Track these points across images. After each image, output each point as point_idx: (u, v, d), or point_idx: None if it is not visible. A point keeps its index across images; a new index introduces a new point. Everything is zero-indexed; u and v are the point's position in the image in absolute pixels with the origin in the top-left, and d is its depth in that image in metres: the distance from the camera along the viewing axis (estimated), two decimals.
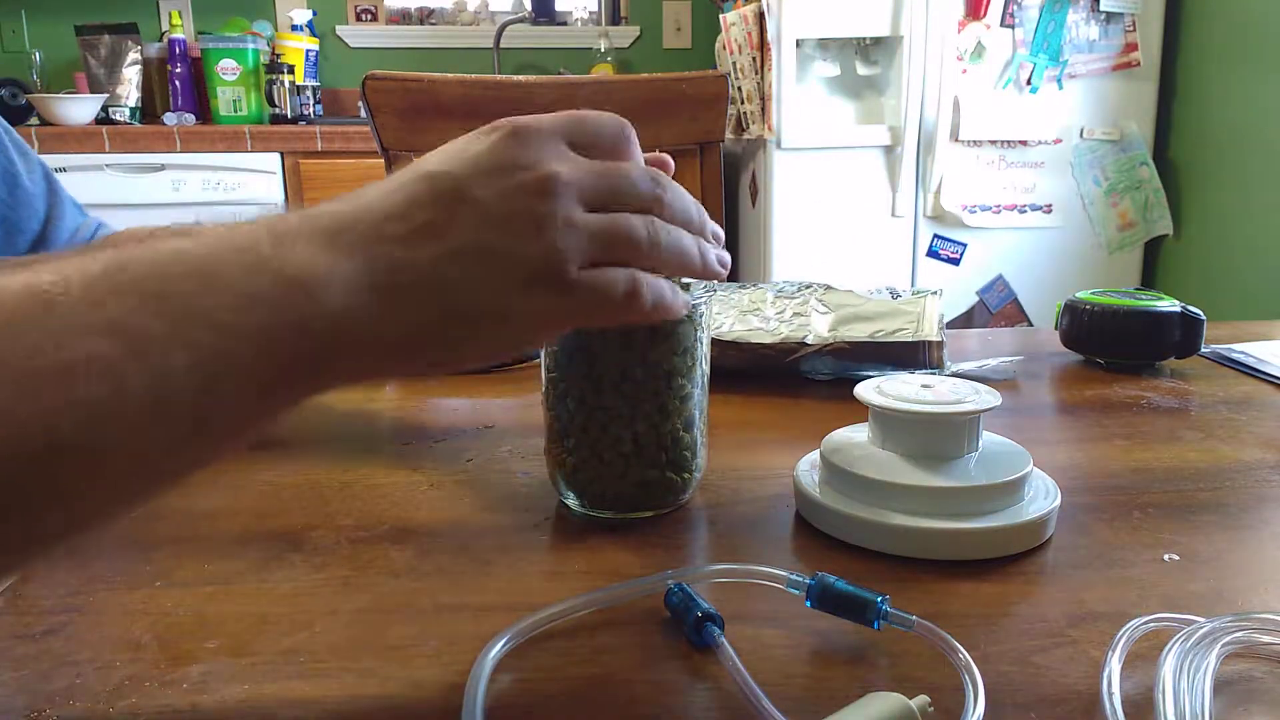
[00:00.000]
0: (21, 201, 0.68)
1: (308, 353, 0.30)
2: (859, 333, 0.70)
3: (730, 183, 2.48)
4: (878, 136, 2.18)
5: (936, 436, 0.46)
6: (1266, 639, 0.35)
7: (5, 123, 0.70)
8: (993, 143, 2.19)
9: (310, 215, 0.32)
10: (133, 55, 2.66)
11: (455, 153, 0.35)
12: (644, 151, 0.41)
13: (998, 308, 2.30)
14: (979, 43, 2.14)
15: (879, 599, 0.36)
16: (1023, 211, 2.24)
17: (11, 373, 0.25)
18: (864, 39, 2.19)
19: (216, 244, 0.30)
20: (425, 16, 3.03)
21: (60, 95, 2.50)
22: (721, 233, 0.42)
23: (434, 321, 0.33)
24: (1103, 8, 2.15)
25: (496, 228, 0.33)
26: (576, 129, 0.37)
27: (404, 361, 0.34)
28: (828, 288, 0.76)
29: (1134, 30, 2.19)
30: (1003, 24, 2.14)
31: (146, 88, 2.72)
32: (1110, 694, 0.31)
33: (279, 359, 0.30)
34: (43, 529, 0.27)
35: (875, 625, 0.36)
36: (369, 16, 2.98)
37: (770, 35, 2.11)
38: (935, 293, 0.75)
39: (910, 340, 0.69)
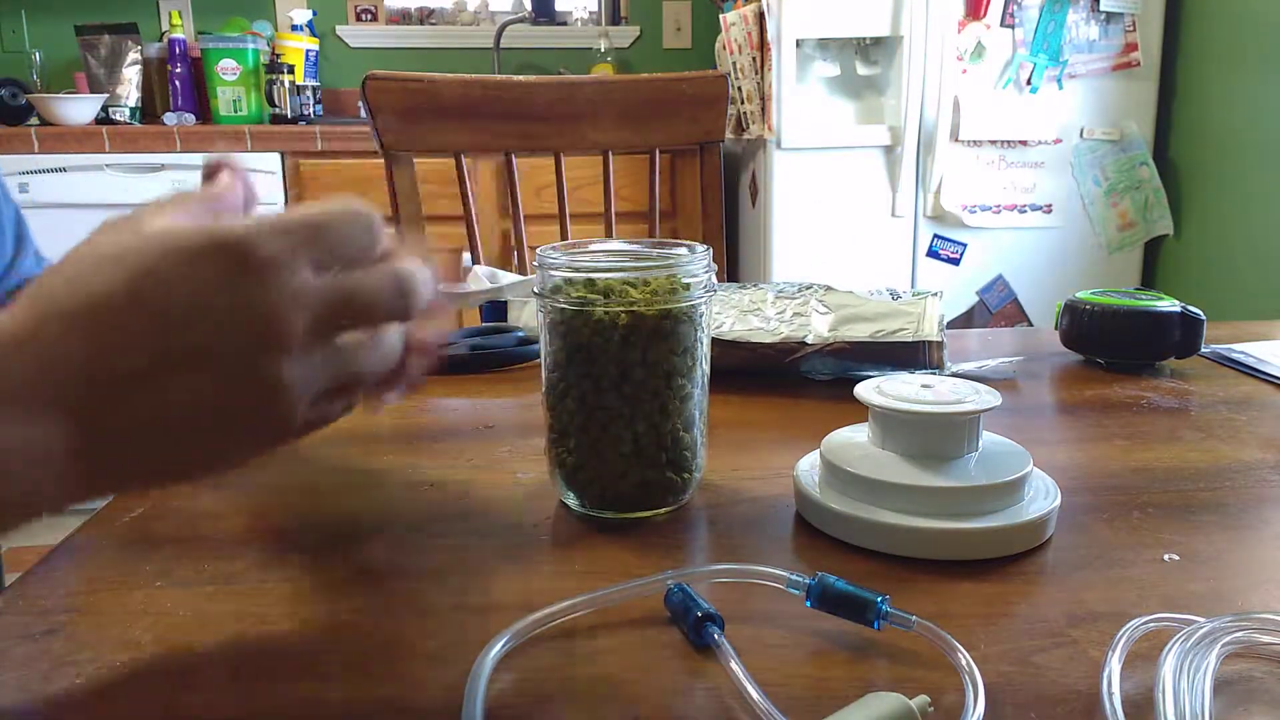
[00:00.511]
0: None
1: None
2: (859, 333, 0.70)
3: (730, 183, 2.48)
4: (878, 136, 2.18)
5: (936, 436, 0.46)
6: (1266, 639, 0.35)
7: None
8: (993, 143, 2.19)
9: (20, 350, 0.29)
10: (133, 55, 2.66)
11: (177, 287, 0.30)
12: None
13: (998, 308, 2.30)
14: (979, 43, 2.14)
15: (879, 599, 0.36)
16: (1023, 211, 2.24)
17: None
18: (864, 39, 2.19)
19: None
20: (425, 16, 3.04)
21: (60, 95, 2.50)
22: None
23: (142, 478, 0.33)
24: (1103, 8, 2.15)
25: (220, 392, 0.31)
26: (317, 244, 0.32)
27: (103, 496, 0.33)
28: (828, 289, 0.76)
29: (1134, 30, 2.19)
30: (1003, 24, 2.15)
31: (146, 88, 2.73)
32: (1110, 694, 0.31)
33: None
34: None
35: (875, 625, 0.36)
36: (369, 16, 2.98)
37: (770, 35, 2.11)
38: (936, 294, 0.75)
39: (910, 340, 0.69)
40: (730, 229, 2.52)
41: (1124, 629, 0.35)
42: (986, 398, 0.46)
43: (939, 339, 0.69)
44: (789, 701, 0.32)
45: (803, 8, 2.09)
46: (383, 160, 1.22)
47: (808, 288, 0.77)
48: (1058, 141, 2.21)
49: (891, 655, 0.36)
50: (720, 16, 2.27)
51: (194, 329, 0.30)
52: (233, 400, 0.31)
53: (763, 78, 2.16)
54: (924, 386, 0.48)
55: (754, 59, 2.19)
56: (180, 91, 2.67)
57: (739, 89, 2.23)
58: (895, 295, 0.75)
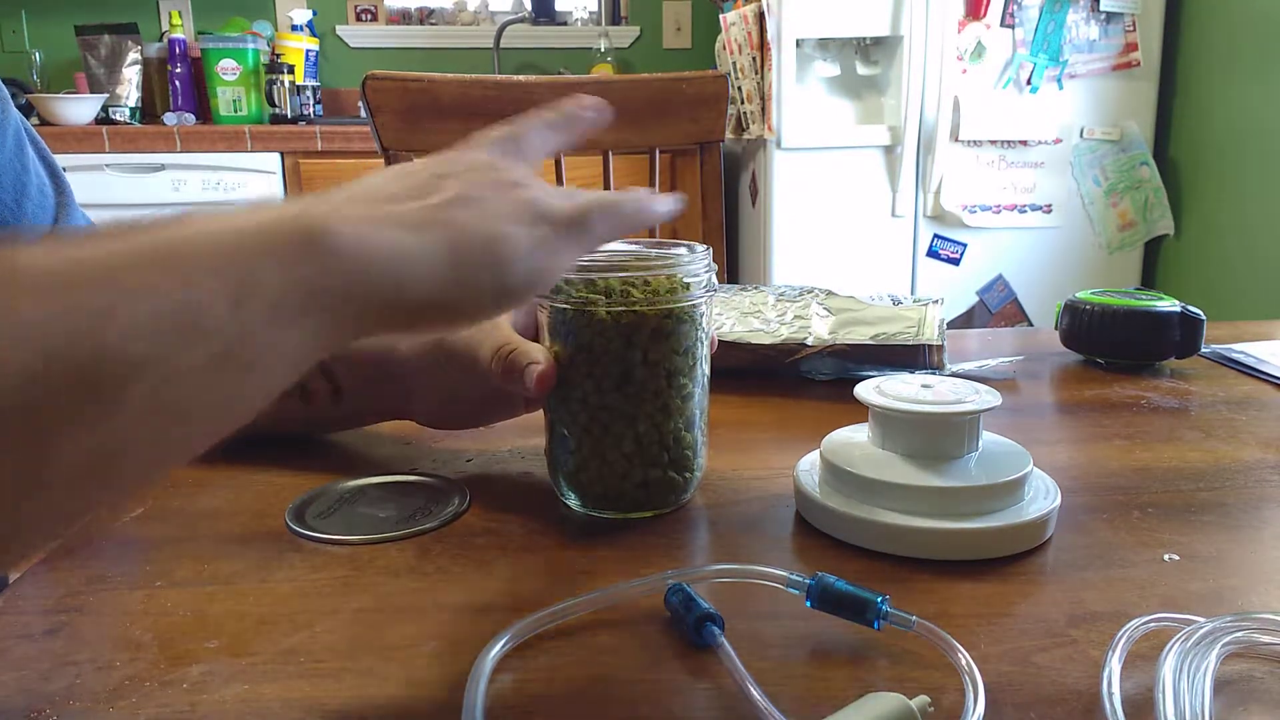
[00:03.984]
0: (29, 214, 0.68)
1: (326, 281, 0.31)
2: (859, 335, 0.70)
3: (730, 183, 2.48)
4: (878, 136, 2.18)
5: (936, 436, 0.46)
6: (1266, 639, 0.35)
7: (35, 134, 0.69)
8: (993, 143, 2.19)
9: (305, 196, 0.34)
10: (133, 55, 2.66)
11: (424, 162, 0.39)
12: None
13: (998, 308, 2.30)
14: (979, 43, 2.14)
15: (879, 599, 0.36)
16: (1023, 211, 2.24)
17: (55, 288, 0.25)
18: (864, 39, 2.19)
19: (227, 212, 0.31)
20: (425, 16, 3.04)
21: (60, 95, 2.50)
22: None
23: (441, 249, 0.34)
24: (1103, 8, 2.15)
25: (478, 189, 0.37)
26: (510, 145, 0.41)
27: (418, 295, 0.33)
28: (829, 293, 0.76)
29: (1134, 30, 2.19)
30: (1003, 24, 2.14)
31: (146, 88, 2.73)
32: (1110, 694, 0.31)
33: (299, 281, 0.30)
34: (69, 456, 0.25)
35: (875, 625, 0.36)
36: (369, 16, 2.98)
37: (770, 35, 2.11)
38: (937, 301, 0.75)
39: (911, 344, 0.69)
40: (730, 229, 2.52)
41: (1124, 629, 0.35)
42: (986, 398, 0.46)
43: (939, 342, 0.69)
44: (789, 701, 0.32)
45: (803, 8, 2.09)
46: (383, 160, 1.22)
47: (809, 291, 0.77)
48: (1058, 141, 2.21)
49: (891, 655, 0.36)
50: (720, 16, 2.27)
51: (449, 173, 0.37)
52: (492, 199, 0.37)
53: (763, 78, 2.16)
54: (924, 387, 0.48)
55: (754, 59, 2.19)
56: (180, 91, 2.67)
57: (739, 89, 2.23)
58: (896, 300, 0.75)
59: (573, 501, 0.49)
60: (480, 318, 0.39)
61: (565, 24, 3.05)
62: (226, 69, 2.60)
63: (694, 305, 0.47)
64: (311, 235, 0.30)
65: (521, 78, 1.24)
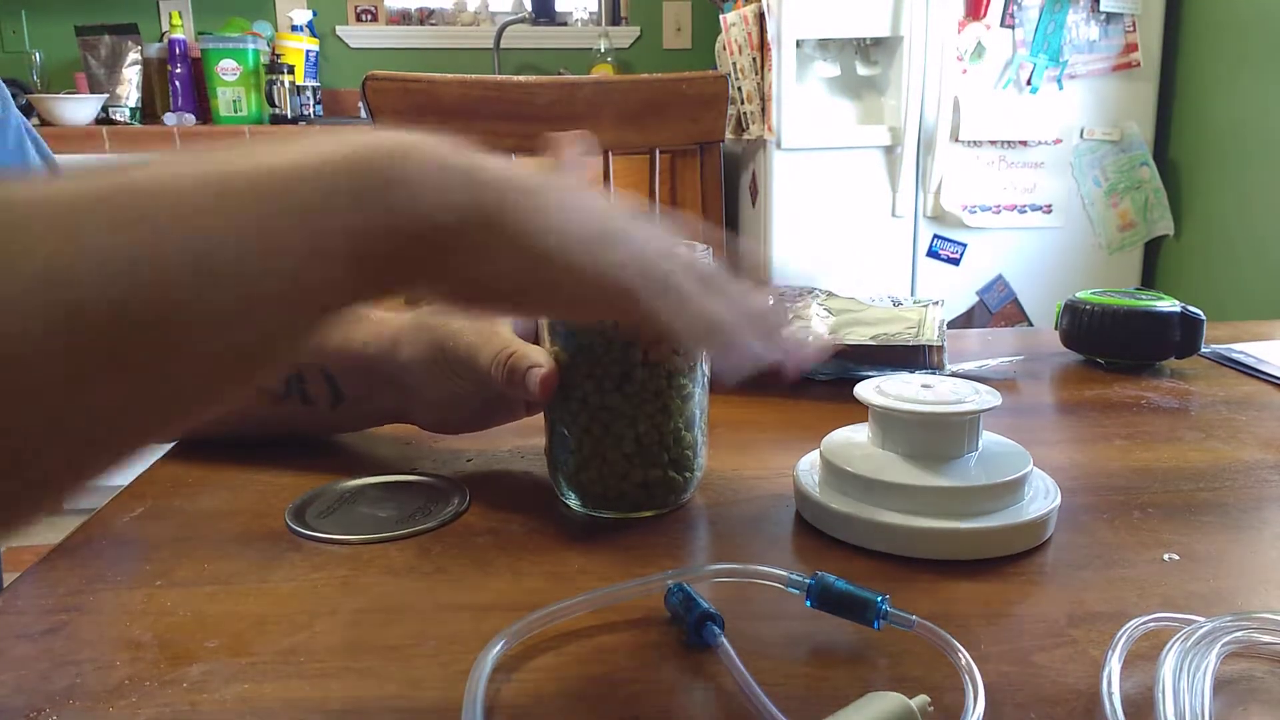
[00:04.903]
0: None
1: (371, 222, 0.30)
2: (859, 336, 0.70)
3: (730, 183, 2.48)
4: (878, 136, 2.18)
5: (936, 436, 0.46)
6: (1266, 639, 0.35)
7: (36, 134, 0.69)
8: (993, 143, 2.19)
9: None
10: (133, 55, 2.66)
11: None
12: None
13: (998, 308, 2.30)
14: (979, 43, 2.14)
15: (879, 599, 0.36)
16: (1023, 211, 2.24)
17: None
18: (864, 39, 2.19)
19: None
20: (425, 17, 3.04)
21: (60, 95, 2.50)
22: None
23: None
24: (1103, 8, 2.15)
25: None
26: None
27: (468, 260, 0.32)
28: (829, 293, 0.76)
29: (1134, 30, 2.19)
30: (1003, 24, 2.14)
31: (147, 88, 2.73)
32: (1110, 694, 0.31)
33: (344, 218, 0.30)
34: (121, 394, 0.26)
35: (875, 625, 0.36)
36: (369, 17, 2.98)
37: (770, 35, 2.11)
38: (937, 303, 0.75)
39: (911, 344, 0.69)
40: (730, 229, 2.52)
41: (1124, 629, 0.35)
42: (986, 398, 0.46)
43: (939, 343, 0.69)
44: (789, 701, 0.32)
45: (803, 8, 2.09)
46: None
47: (809, 291, 0.77)
48: (1058, 142, 2.21)
49: (891, 655, 0.36)
50: (720, 17, 2.27)
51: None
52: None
53: (763, 78, 2.16)
54: (924, 386, 0.48)
55: (754, 59, 2.19)
56: (180, 92, 2.67)
57: (739, 89, 2.23)
58: (896, 302, 0.75)
59: (573, 501, 0.49)
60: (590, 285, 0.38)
61: (565, 24, 3.05)
62: (226, 69, 2.60)
63: None
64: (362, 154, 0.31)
65: (522, 78, 1.24)
